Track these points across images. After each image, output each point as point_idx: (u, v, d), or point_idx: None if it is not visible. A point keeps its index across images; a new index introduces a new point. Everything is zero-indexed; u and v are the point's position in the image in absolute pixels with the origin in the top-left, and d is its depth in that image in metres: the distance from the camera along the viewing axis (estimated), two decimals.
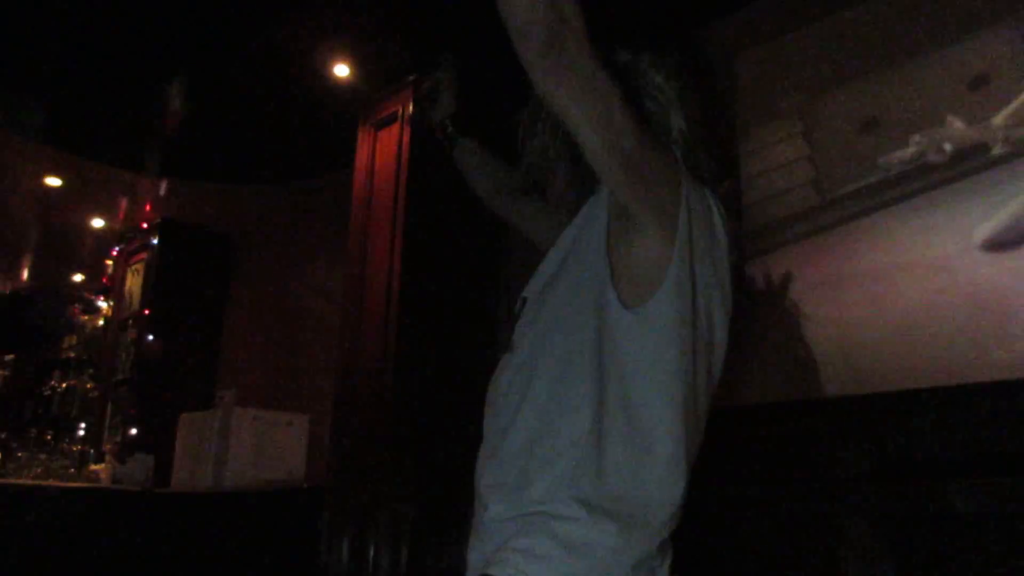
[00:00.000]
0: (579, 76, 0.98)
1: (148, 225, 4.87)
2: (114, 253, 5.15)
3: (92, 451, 4.62)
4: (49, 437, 4.61)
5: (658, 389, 1.04)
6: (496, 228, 3.17)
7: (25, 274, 5.83)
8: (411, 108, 3.17)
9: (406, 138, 3.17)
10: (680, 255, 1.06)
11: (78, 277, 5.65)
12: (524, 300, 1.23)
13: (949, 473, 2.05)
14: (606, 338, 1.05)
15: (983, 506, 1.90)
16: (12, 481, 3.75)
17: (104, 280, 5.32)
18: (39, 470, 4.21)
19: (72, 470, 4.37)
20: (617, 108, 1.01)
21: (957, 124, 2.36)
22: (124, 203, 4.69)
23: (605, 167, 1.05)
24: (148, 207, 4.72)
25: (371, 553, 2.79)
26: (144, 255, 4.91)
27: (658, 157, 1.08)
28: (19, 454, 4.26)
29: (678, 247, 1.06)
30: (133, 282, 4.98)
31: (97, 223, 4.93)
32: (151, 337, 4.70)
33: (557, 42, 0.95)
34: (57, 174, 4.22)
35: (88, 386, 5.22)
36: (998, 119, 2.27)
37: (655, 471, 1.04)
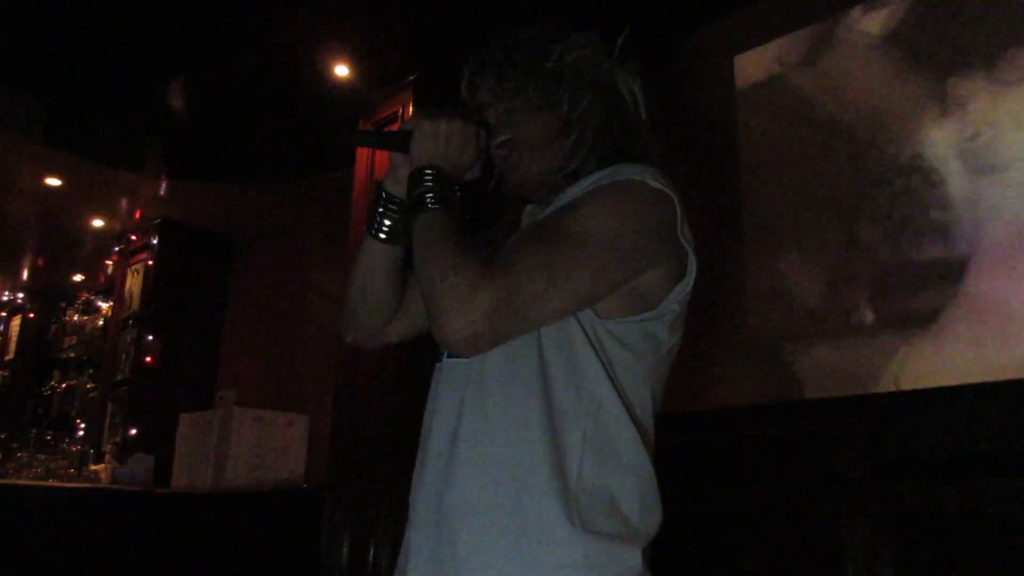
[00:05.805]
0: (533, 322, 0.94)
1: (148, 225, 4.87)
2: (114, 253, 5.15)
3: (92, 451, 4.62)
4: (49, 437, 4.61)
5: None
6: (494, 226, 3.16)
7: (25, 274, 5.83)
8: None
9: None
10: (680, 293, 1.01)
11: (78, 277, 5.65)
12: None
13: (949, 473, 2.05)
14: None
15: (983, 506, 1.91)
16: (12, 481, 3.74)
17: (102, 279, 5.32)
18: (39, 470, 4.21)
19: (72, 470, 4.37)
20: (596, 280, 0.94)
21: None
22: (124, 203, 4.68)
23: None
24: (148, 207, 4.72)
25: (371, 553, 2.79)
26: (144, 255, 4.91)
27: (654, 248, 0.99)
28: (19, 454, 4.27)
29: (679, 288, 1.01)
30: (133, 282, 4.98)
31: (97, 223, 4.92)
32: (151, 337, 4.70)
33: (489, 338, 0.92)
34: (57, 174, 4.21)
35: (88, 386, 5.22)
36: None
37: None
